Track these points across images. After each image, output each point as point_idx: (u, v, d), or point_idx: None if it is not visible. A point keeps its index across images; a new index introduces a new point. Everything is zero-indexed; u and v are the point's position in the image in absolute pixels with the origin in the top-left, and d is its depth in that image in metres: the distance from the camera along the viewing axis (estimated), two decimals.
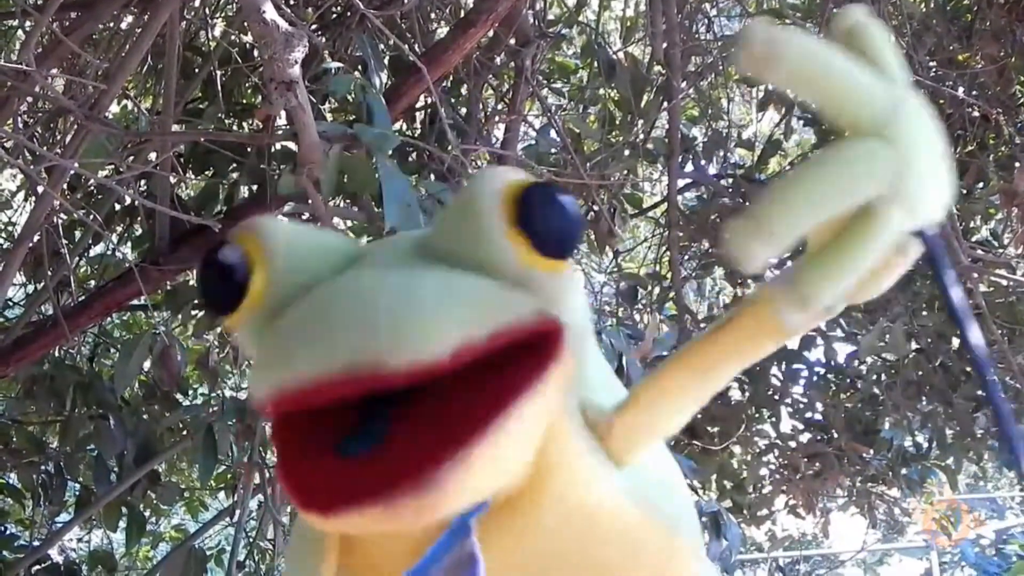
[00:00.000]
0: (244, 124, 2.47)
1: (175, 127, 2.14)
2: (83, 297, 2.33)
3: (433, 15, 2.65)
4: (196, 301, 2.47)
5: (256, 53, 2.13)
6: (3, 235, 2.97)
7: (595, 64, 2.41)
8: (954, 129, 2.68)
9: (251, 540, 2.45)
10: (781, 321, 0.49)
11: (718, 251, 2.92)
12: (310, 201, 1.37)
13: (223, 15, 2.68)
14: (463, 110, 2.42)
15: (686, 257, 3.17)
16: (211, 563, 2.54)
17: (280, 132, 1.93)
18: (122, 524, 2.48)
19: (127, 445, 2.33)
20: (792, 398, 3.12)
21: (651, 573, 0.56)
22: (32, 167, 1.87)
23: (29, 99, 2.25)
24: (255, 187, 2.15)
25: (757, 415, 3.14)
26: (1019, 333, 2.67)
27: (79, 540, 3.61)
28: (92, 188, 2.41)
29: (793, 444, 3.10)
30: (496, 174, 0.52)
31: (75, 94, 2.13)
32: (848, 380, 3.08)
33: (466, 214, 0.51)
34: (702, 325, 2.78)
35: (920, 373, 2.84)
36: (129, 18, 2.44)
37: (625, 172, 2.54)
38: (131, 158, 1.99)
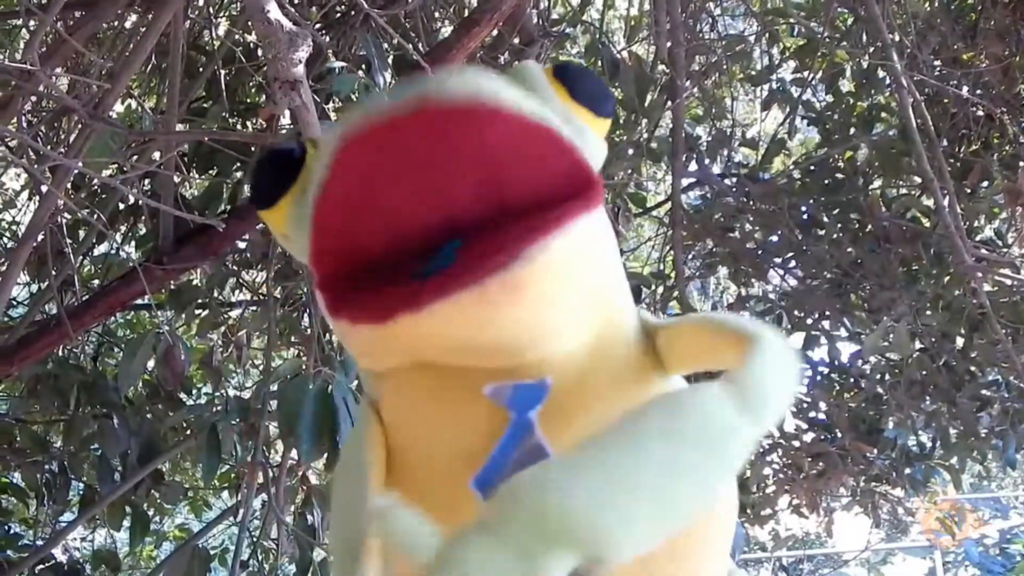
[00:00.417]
0: (248, 123, 2.47)
1: (179, 126, 2.14)
2: (87, 296, 2.33)
3: (437, 14, 2.65)
4: (200, 301, 2.48)
5: (260, 52, 2.13)
6: (7, 234, 2.98)
7: (599, 63, 2.41)
8: (958, 128, 2.67)
9: (255, 539, 2.45)
10: None
11: (721, 250, 2.92)
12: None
13: (227, 14, 2.68)
14: None
15: (690, 256, 3.16)
16: (215, 563, 2.54)
17: (284, 131, 1.93)
18: (126, 523, 2.48)
19: (131, 444, 2.33)
20: (795, 398, 3.11)
21: None
22: (36, 166, 1.88)
23: (33, 98, 2.25)
24: None
25: None
26: (1023, 333, 2.66)
27: (83, 539, 3.61)
28: (96, 187, 2.41)
29: (797, 444, 3.09)
30: (520, 67, 0.58)
31: (79, 93, 2.13)
32: (852, 380, 3.07)
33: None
34: None
35: (924, 373, 2.83)
36: (133, 17, 2.45)
37: (629, 171, 2.54)
38: (135, 157, 1.99)
